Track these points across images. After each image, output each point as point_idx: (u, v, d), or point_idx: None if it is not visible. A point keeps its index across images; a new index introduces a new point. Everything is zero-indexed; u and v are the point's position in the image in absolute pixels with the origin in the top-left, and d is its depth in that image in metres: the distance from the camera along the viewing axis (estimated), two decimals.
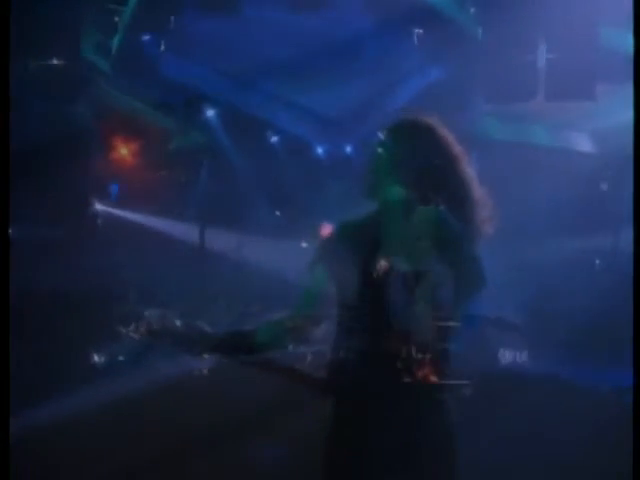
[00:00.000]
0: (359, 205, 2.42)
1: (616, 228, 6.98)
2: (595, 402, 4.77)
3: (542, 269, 7.14)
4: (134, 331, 2.41)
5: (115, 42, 6.59)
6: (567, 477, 4.16)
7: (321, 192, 8.61)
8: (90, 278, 6.77)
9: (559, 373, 5.45)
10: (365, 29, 6.66)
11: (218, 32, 6.78)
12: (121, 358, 6.33)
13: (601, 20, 5.85)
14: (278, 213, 9.05)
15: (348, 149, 9.05)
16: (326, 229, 2.46)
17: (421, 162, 2.31)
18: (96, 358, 6.36)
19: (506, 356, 6.12)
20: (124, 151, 8.34)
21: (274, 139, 8.95)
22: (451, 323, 2.19)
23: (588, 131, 8.12)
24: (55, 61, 6.16)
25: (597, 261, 7.48)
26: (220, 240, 8.36)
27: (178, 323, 2.40)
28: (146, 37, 6.63)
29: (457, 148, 2.39)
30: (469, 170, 2.39)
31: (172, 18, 6.28)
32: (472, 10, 6.27)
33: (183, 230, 8.47)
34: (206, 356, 2.47)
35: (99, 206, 8.25)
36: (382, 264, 2.24)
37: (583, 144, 8.24)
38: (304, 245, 6.95)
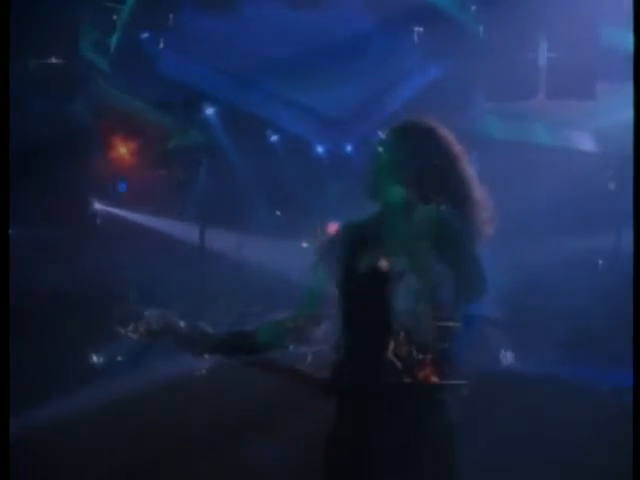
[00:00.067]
0: (360, 204, 2.42)
1: (618, 228, 6.97)
2: (595, 402, 4.77)
3: (543, 269, 7.13)
4: (133, 331, 2.41)
5: (114, 40, 6.57)
6: (567, 477, 4.17)
7: (321, 191, 8.60)
8: (90, 278, 6.77)
9: (559, 373, 5.45)
10: (365, 27, 6.65)
11: (217, 30, 6.77)
12: (120, 358, 6.33)
13: (602, 19, 5.84)
14: (278, 213, 9.04)
15: (348, 148, 9.04)
16: (333, 227, 2.46)
17: (421, 162, 2.31)
18: (95, 359, 6.36)
19: (507, 356, 6.11)
20: (123, 150, 8.33)
21: (274, 138, 8.94)
22: (451, 323, 2.18)
23: (589, 130, 8.11)
24: (53, 60, 6.16)
25: (600, 261, 7.46)
26: (220, 240, 8.36)
27: (180, 323, 2.41)
28: (145, 35, 6.61)
29: (457, 148, 2.39)
30: (470, 170, 2.39)
31: (171, 16, 6.27)
32: (473, 8, 6.26)
33: (183, 230, 8.47)
34: (206, 356, 2.48)
35: (98, 206, 8.24)
36: (383, 264, 2.24)
37: (584, 143, 8.23)
38: (304, 245, 6.95)
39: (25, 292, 5.86)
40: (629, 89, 3.54)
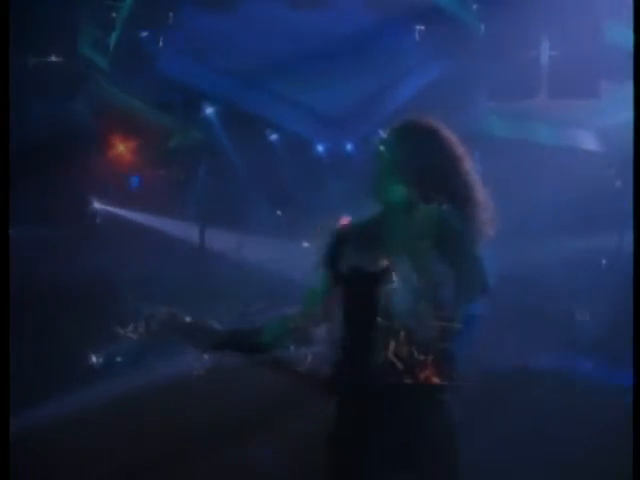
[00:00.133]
0: (360, 204, 2.41)
1: (620, 227, 6.95)
2: (595, 402, 4.77)
3: (545, 268, 7.12)
4: (133, 332, 2.42)
5: (113, 39, 6.56)
6: (567, 477, 4.18)
7: (322, 190, 8.58)
8: (89, 278, 6.76)
9: (559, 373, 5.45)
10: (366, 26, 6.64)
11: (217, 29, 6.76)
12: (119, 359, 6.33)
13: (605, 17, 5.82)
14: (279, 212, 9.03)
15: (349, 147, 9.03)
16: (345, 220, 2.45)
17: (423, 162, 2.31)
18: (94, 359, 6.35)
19: (507, 356, 6.10)
20: (122, 149, 8.32)
21: (274, 137, 8.93)
22: (452, 323, 2.17)
23: (592, 129, 8.09)
24: (53, 58, 6.16)
25: (604, 261, 7.44)
26: (220, 240, 8.35)
27: (187, 319, 2.45)
28: (144, 33, 6.59)
29: (460, 148, 2.39)
30: (472, 171, 2.39)
31: (170, 14, 6.27)
32: (474, 7, 6.24)
33: (183, 229, 8.46)
34: (206, 356, 2.49)
35: (98, 205, 8.23)
36: (384, 264, 2.24)
37: (587, 142, 8.20)
38: (305, 245, 6.93)
39: (25, 292, 5.85)
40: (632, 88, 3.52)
